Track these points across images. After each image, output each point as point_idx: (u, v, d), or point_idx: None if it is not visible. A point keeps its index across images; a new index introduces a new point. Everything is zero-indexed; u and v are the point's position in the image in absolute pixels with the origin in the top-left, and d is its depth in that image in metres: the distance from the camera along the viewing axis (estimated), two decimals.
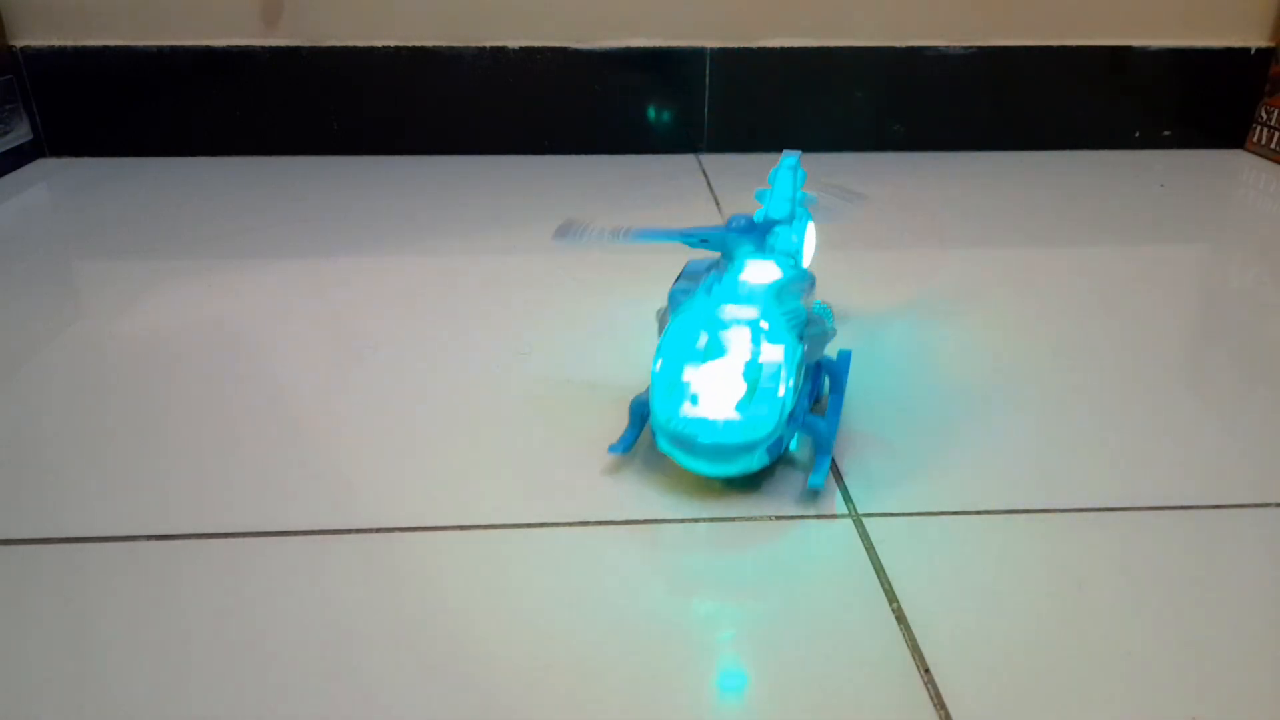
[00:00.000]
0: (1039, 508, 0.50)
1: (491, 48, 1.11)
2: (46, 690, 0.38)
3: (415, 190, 1.03)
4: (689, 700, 0.38)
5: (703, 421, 0.47)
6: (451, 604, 0.43)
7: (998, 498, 0.50)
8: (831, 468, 0.53)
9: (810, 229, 0.62)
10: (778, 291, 0.50)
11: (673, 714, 0.37)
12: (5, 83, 1.08)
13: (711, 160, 1.15)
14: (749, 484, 0.51)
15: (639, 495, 0.50)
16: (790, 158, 0.61)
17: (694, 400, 0.47)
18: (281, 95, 1.13)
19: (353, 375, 0.63)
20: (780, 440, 0.48)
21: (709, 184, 1.05)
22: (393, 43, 1.11)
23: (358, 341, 0.68)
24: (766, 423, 0.47)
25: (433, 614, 0.42)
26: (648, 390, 0.50)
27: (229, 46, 1.10)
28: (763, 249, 0.51)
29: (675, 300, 0.52)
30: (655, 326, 0.53)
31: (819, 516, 0.49)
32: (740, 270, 0.50)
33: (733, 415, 0.47)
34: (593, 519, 0.48)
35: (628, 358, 0.65)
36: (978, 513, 0.49)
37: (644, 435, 0.55)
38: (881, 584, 0.44)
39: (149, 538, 0.47)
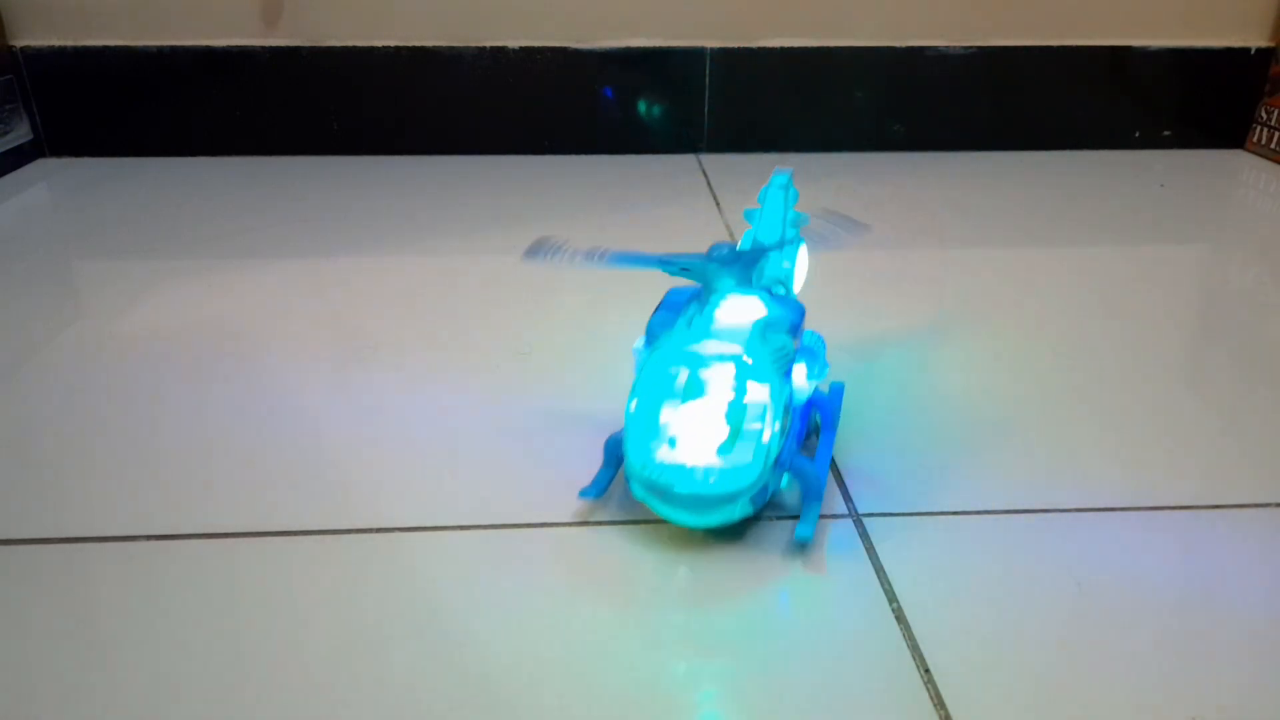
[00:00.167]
0: (1039, 508, 0.50)
1: (491, 48, 1.11)
2: (46, 690, 0.38)
3: (415, 190, 1.03)
4: (689, 697, 0.38)
5: (680, 468, 0.43)
6: (451, 604, 0.43)
7: (998, 498, 0.50)
8: (831, 468, 0.53)
9: (802, 252, 0.58)
10: (763, 327, 0.46)
11: (671, 709, 0.37)
12: (5, 83, 1.08)
13: (711, 160, 1.15)
14: (733, 534, 0.47)
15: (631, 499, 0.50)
16: (781, 175, 0.57)
17: (671, 444, 0.44)
18: (281, 95, 1.13)
19: (353, 375, 0.63)
20: (765, 488, 0.45)
21: (709, 184, 1.05)
22: (393, 43, 1.11)
23: (357, 341, 0.68)
24: (750, 470, 0.43)
25: (432, 614, 0.42)
26: (623, 430, 0.47)
27: (229, 46, 1.10)
28: (747, 280, 0.47)
29: (653, 333, 0.49)
30: (632, 359, 0.50)
31: (819, 516, 0.48)
32: (721, 304, 0.47)
33: (713, 461, 0.43)
34: (593, 519, 0.48)
35: (629, 357, 0.65)
36: (978, 513, 0.49)
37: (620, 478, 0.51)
38: (881, 584, 0.44)
39: (149, 538, 0.47)
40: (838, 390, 0.58)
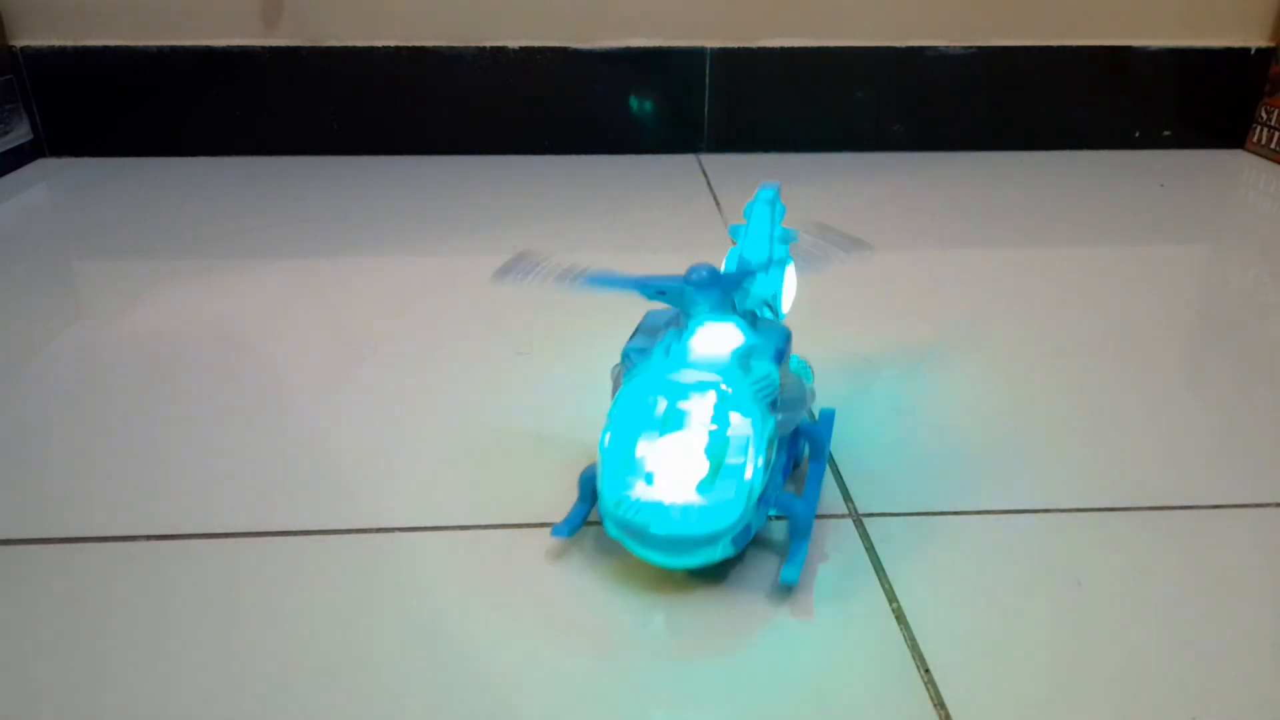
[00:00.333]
0: (1039, 508, 0.50)
1: (491, 48, 1.11)
2: (46, 690, 0.38)
3: (415, 190, 1.03)
4: (688, 695, 0.38)
5: (657, 507, 0.41)
6: (452, 603, 0.43)
7: (998, 498, 0.50)
8: (830, 465, 0.53)
9: (790, 272, 0.55)
10: (745, 355, 0.43)
11: (670, 707, 0.37)
12: (5, 83, 1.08)
13: (711, 160, 1.15)
14: (716, 574, 0.44)
15: None
16: (767, 190, 0.54)
17: (648, 480, 0.41)
18: (281, 95, 1.13)
19: (352, 375, 0.63)
20: (748, 528, 0.42)
21: (709, 184, 1.06)
22: (393, 43, 1.11)
23: (357, 341, 0.68)
24: (730, 510, 0.40)
25: (432, 613, 0.42)
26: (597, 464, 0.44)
27: (229, 46, 1.10)
28: (728, 304, 0.44)
29: (630, 359, 0.46)
30: (610, 386, 0.48)
31: (819, 516, 0.49)
32: (699, 330, 0.44)
33: (693, 499, 0.41)
34: (593, 518, 0.48)
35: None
36: (978, 513, 0.49)
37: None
38: (881, 584, 0.44)
39: (149, 538, 0.47)
40: (828, 418, 0.55)
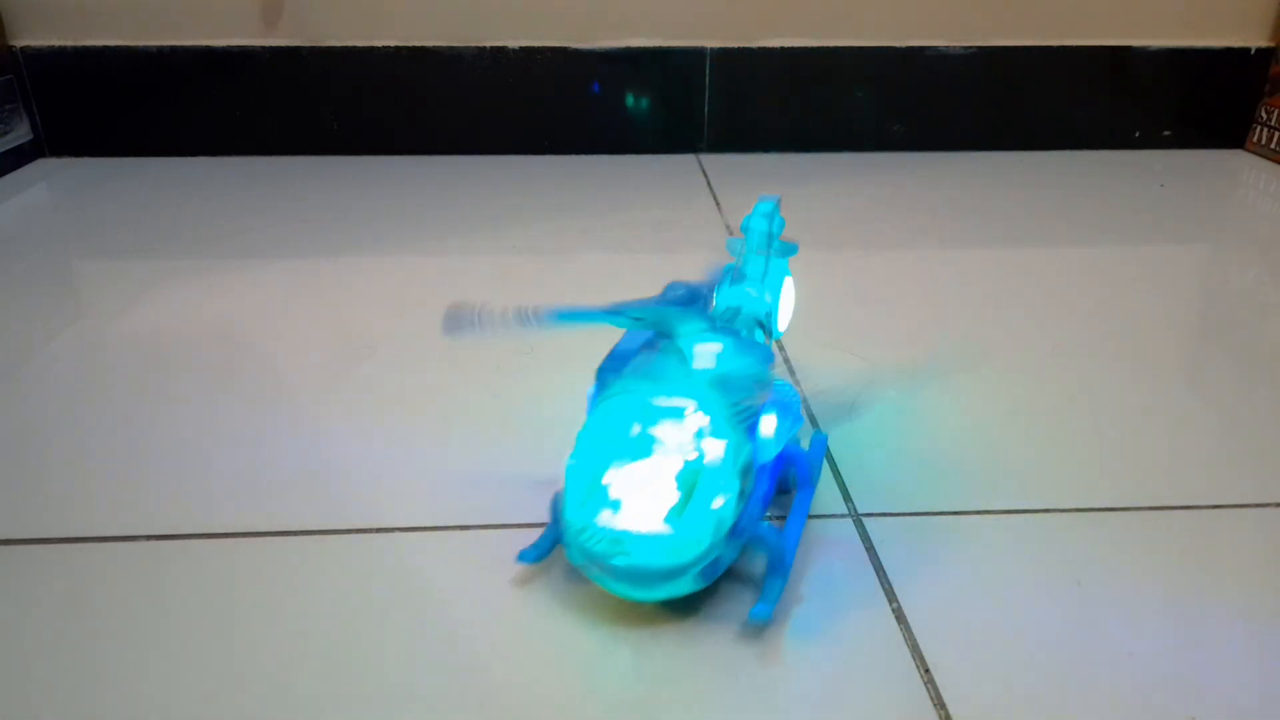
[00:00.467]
0: (1039, 508, 0.50)
1: (491, 48, 1.11)
2: (47, 690, 0.38)
3: (415, 190, 1.03)
4: (688, 694, 0.38)
5: (621, 536, 0.39)
6: (452, 603, 0.43)
7: (998, 498, 0.50)
8: (830, 465, 0.53)
9: (787, 286, 0.54)
10: (723, 377, 0.41)
11: (670, 706, 0.37)
12: (5, 83, 1.08)
13: (711, 160, 1.15)
14: (689, 606, 0.42)
15: None
16: (765, 203, 0.52)
17: (614, 507, 0.39)
18: (281, 95, 1.13)
19: (352, 375, 0.63)
20: (717, 561, 0.40)
21: (709, 184, 1.06)
22: (392, 43, 1.11)
23: (357, 341, 0.68)
24: (697, 542, 0.39)
25: (432, 613, 0.42)
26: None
27: (229, 46, 1.10)
28: (709, 321, 0.42)
29: (604, 382, 0.44)
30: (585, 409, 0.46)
31: (819, 516, 0.49)
32: (675, 352, 0.42)
33: (660, 529, 0.39)
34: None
35: None
36: (978, 513, 0.49)
37: None
38: (881, 584, 0.44)
39: (149, 538, 0.47)
40: (819, 443, 0.52)
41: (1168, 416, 0.59)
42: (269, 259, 0.84)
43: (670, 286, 0.41)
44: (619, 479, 0.40)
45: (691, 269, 0.80)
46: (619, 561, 0.39)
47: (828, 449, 0.54)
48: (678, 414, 0.40)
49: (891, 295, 0.76)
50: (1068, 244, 0.88)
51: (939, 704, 0.38)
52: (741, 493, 0.40)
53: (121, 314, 0.73)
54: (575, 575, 0.44)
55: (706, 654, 0.40)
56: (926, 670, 0.39)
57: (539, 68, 1.12)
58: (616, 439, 0.40)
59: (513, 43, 1.11)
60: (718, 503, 0.39)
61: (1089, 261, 0.84)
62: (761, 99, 1.15)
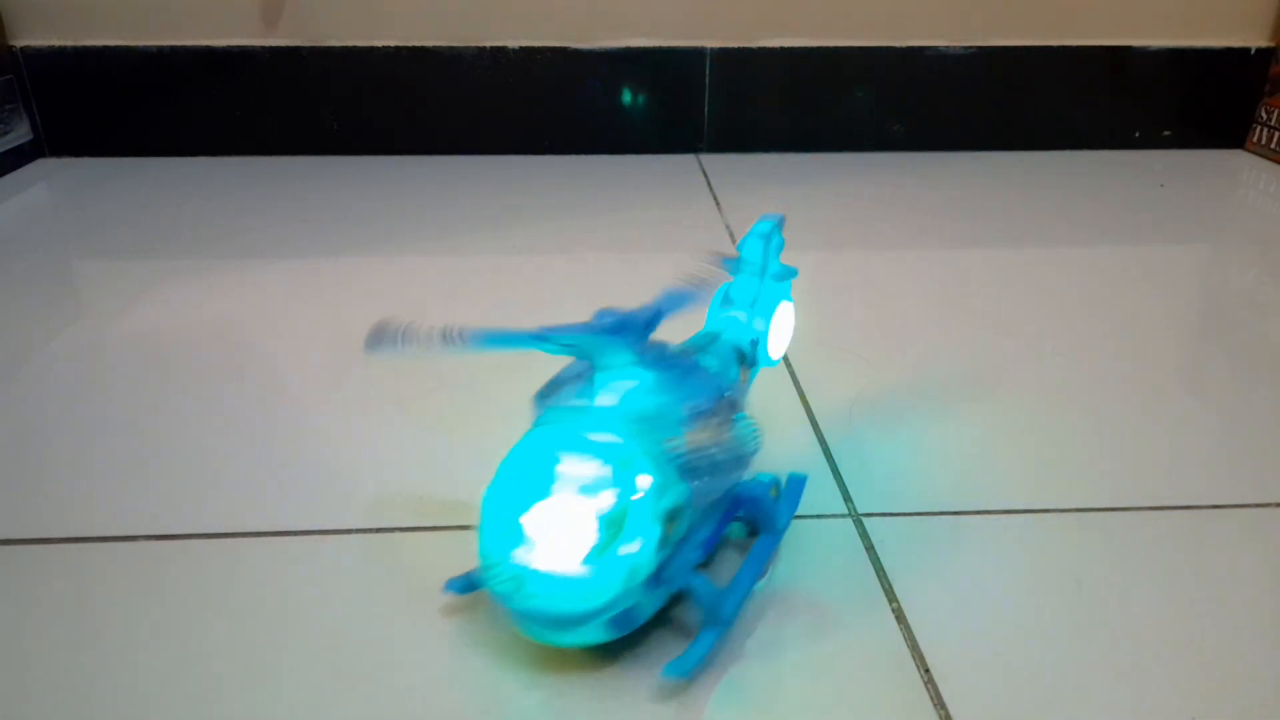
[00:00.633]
0: (1039, 508, 0.50)
1: (491, 48, 1.11)
2: (46, 690, 0.38)
3: (415, 190, 1.03)
4: (691, 692, 0.38)
5: (526, 576, 0.36)
6: (454, 602, 0.43)
7: (998, 498, 0.50)
8: (829, 465, 0.53)
9: (784, 311, 0.50)
10: (653, 411, 0.39)
11: (670, 706, 0.37)
12: (5, 83, 1.08)
13: (711, 160, 1.15)
14: (605, 654, 0.40)
15: None
16: (765, 223, 0.49)
17: (528, 545, 0.37)
18: (281, 95, 1.13)
19: (353, 375, 0.63)
20: (631, 611, 0.37)
21: (709, 184, 1.06)
22: (392, 43, 1.11)
23: (357, 341, 0.68)
24: (604, 589, 0.36)
25: (432, 613, 0.42)
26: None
27: (229, 46, 1.10)
28: (640, 352, 0.39)
29: (540, 410, 0.42)
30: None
31: (819, 516, 0.49)
32: (600, 384, 0.40)
33: (569, 571, 0.36)
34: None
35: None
36: (978, 513, 0.49)
37: None
38: (881, 584, 0.44)
39: (149, 538, 0.47)
40: (796, 484, 0.49)
41: (1167, 416, 0.59)
42: (269, 259, 0.84)
43: (600, 314, 0.38)
44: (534, 515, 0.37)
45: (691, 269, 0.80)
46: (520, 603, 0.37)
47: (830, 455, 0.54)
48: (598, 450, 0.37)
49: (891, 295, 0.76)
50: (1068, 244, 0.88)
51: (939, 704, 0.38)
52: (665, 538, 0.37)
53: (121, 314, 0.73)
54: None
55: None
56: (926, 670, 0.39)
57: (539, 68, 1.12)
58: (536, 472, 0.38)
59: (513, 43, 1.11)
60: (630, 548, 0.36)
61: (1089, 261, 0.84)
62: (761, 99, 1.15)
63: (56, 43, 1.09)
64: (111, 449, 0.55)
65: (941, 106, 1.17)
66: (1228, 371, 0.64)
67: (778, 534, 0.46)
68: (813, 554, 0.46)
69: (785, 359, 0.65)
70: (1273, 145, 1.16)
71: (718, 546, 0.46)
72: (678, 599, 0.42)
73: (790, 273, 0.50)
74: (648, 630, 0.40)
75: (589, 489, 0.37)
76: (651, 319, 0.39)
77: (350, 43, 1.11)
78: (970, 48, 1.14)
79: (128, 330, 0.70)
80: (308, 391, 0.61)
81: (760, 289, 0.49)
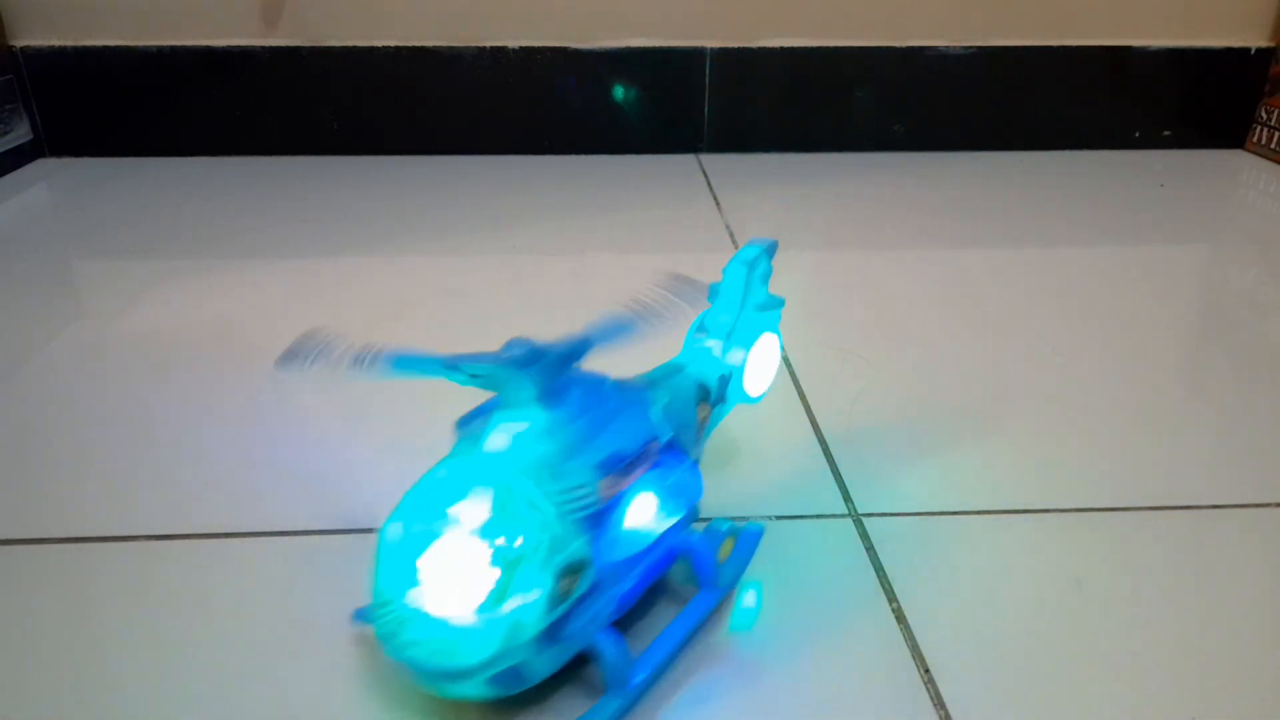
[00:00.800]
0: (1039, 508, 0.50)
1: (491, 48, 1.11)
2: (46, 690, 0.38)
3: (415, 190, 1.03)
4: (689, 696, 0.38)
5: (408, 622, 0.34)
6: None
7: (998, 498, 0.50)
8: (829, 465, 0.53)
9: (766, 344, 0.47)
10: (560, 452, 0.35)
11: (672, 709, 0.37)
12: (5, 83, 1.08)
13: (711, 160, 1.15)
14: (502, 710, 0.37)
15: None
16: (752, 248, 0.45)
17: (416, 587, 0.34)
18: (281, 95, 1.13)
19: (351, 375, 0.63)
20: (518, 670, 0.34)
21: (709, 184, 1.06)
22: (393, 43, 1.11)
23: (356, 341, 0.68)
24: (482, 646, 0.33)
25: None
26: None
27: (229, 46, 1.10)
28: (550, 387, 0.36)
29: (457, 438, 0.40)
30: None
31: (819, 516, 0.49)
32: (493, 423, 0.37)
33: (455, 621, 0.33)
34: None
35: (630, 360, 0.65)
36: (978, 513, 0.49)
37: None
38: (881, 584, 0.44)
39: (149, 537, 0.47)
40: (751, 537, 0.45)
41: (1167, 416, 0.59)
42: (269, 259, 0.84)
43: (510, 344, 0.35)
44: (431, 556, 0.34)
45: (691, 269, 0.80)
46: (391, 650, 0.34)
47: (831, 457, 0.54)
48: (487, 497, 0.34)
49: (891, 295, 0.76)
50: (1068, 244, 0.88)
51: (939, 704, 0.38)
52: (560, 594, 0.34)
53: (121, 314, 0.73)
54: None
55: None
56: (926, 670, 0.39)
57: (539, 68, 1.12)
58: (432, 511, 0.35)
59: (513, 43, 1.11)
60: (512, 604, 0.33)
61: (1089, 261, 0.84)
62: (761, 99, 1.15)
63: (56, 43, 1.09)
64: (111, 449, 0.55)
65: (941, 106, 1.17)
66: (1228, 371, 0.64)
67: (717, 592, 0.42)
68: (813, 554, 0.46)
69: (785, 360, 0.65)
70: (1273, 145, 1.16)
71: (658, 594, 0.43)
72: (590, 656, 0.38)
73: (776, 303, 0.47)
74: (557, 686, 0.38)
75: (476, 537, 0.34)
76: (571, 352, 0.36)
77: (350, 43, 1.11)
78: (970, 48, 1.14)
79: (128, 330, 0.70)
80: (308, 391, 0.61)
81: (740, 318, 0.45)
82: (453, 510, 0.34)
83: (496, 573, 0.33)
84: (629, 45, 1.12)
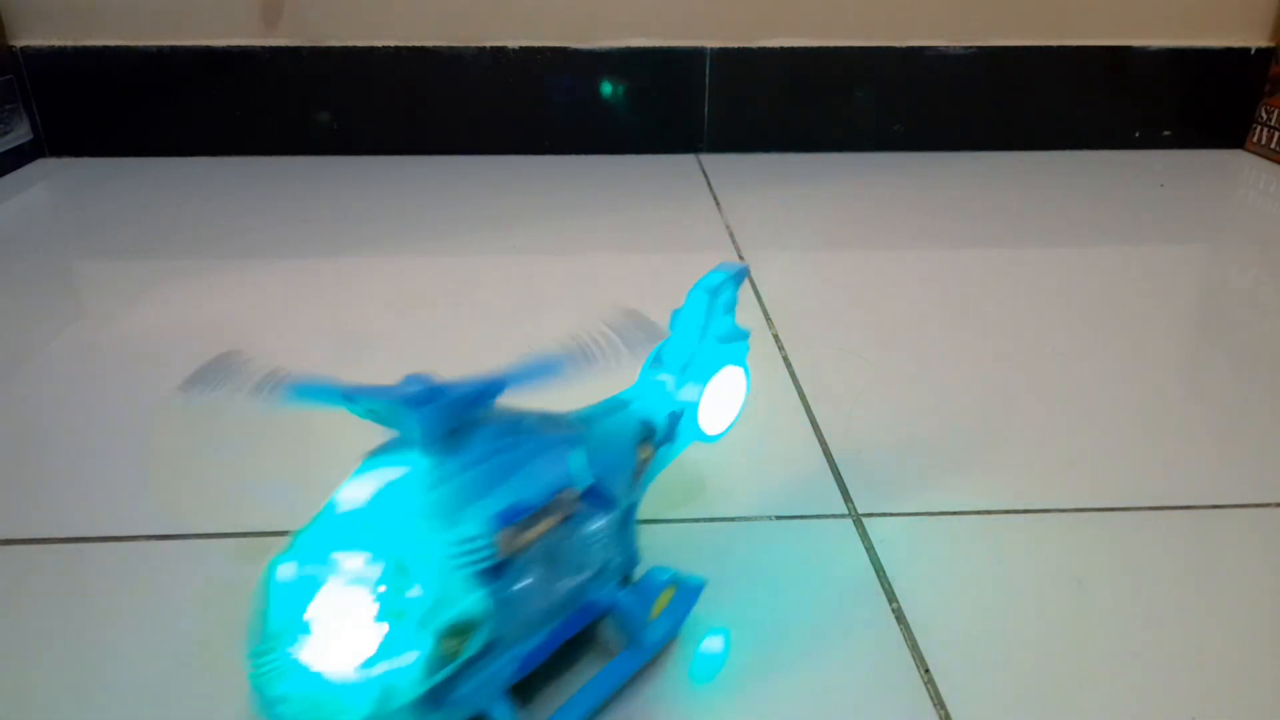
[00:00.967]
0: (1039, 508, 0.50)
1: (491, 48, 1.11)
2: (46, 690, 0.38)
3: (415, 190, 1.03)
4: (691, 699, 0.38)
5: (279, 674, 0.30)
6: None
7: (998, 498, 0.50)
8: (829, 465, 0.53)
9: (728, 378, 0.43)
10: (451, 502, 0.32)
11: (672, 711, 0.37)
12: (5, 83, 1.08)
13: (711, 160, 1.15)
14: None
15: None
16: (717, 273, 0.42)
17: (299, 636, 0.31)
18: (282, 95, 1.13)
19: (352, 375, 0.63)
20: None
21: (709, 184, 1.06)
22: (393, 43, 1.11)
23: (356, 342, 0.68)
24: (347, 710, 0.30)
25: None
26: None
27: (229, 46, 1.10)
28: (446, 430, 0.33)
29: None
30: None
31: (819, 516, 0.49)
32: (365, 468, 0.34)
33: (336, 677, 0.30)
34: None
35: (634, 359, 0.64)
36: (978, 513, 0.49)
37: None
38: (881, 584, 0.44)
39: (149, 538, 0.47)
40: (689, 592, 0.41)
41: (1167, 416, 0.59)
42: (269, 259, 0.84)
43: (406, 380, 0.32)
44: (318, 605, 0.31)
45: (691, 269, 0.80)
46: (265, 707, 0.31)
47: (831, 456, 0.54)
48: (377, 546, 0.31)
49: (892, 295, 0.76)
50: (1068, 244, 0.88)
51: (939, 704, 0.38)
52: (448, 655, 0.31)
53: (121, 314, 0.73)
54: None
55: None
56: (926, 670, 0.39)
57: (539, 68, 1.12)
58: (324, 553, 0.31)
59: (513, 43, 1.11)
60: (387, 665, 0.30)
61: (1089, 261, 0.84)
62: (761, 99, 1.15)
63: (56, 43, 1.09)
64: (111, 449, 0.55)
65: (941, 106, 1.17)
66: (1228, 371, 0.64)
67: (645, 651, 0.38)
68: (813, 554, 0.46)
69: (784, 359, 0.65)
70: (1273, 145, 1.16)
71: (582, 649, 0.39)
72: None
73: (740, 334, 0.43)
74: None
75: (361, 588, 0.30)
76: (478, 392, 0.33)
77: (350, 43, 1.11)
78: (970, 48, 1.14)
79: (128, 330, 0.70)
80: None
81: (699, 350, 0.42)
82: (339, 557, 0.31)
83: (381, 629, 0.30)
84: (629, 45, 1.12)
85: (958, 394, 0.61)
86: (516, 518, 0.33)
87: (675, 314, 0.43)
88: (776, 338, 0.68)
